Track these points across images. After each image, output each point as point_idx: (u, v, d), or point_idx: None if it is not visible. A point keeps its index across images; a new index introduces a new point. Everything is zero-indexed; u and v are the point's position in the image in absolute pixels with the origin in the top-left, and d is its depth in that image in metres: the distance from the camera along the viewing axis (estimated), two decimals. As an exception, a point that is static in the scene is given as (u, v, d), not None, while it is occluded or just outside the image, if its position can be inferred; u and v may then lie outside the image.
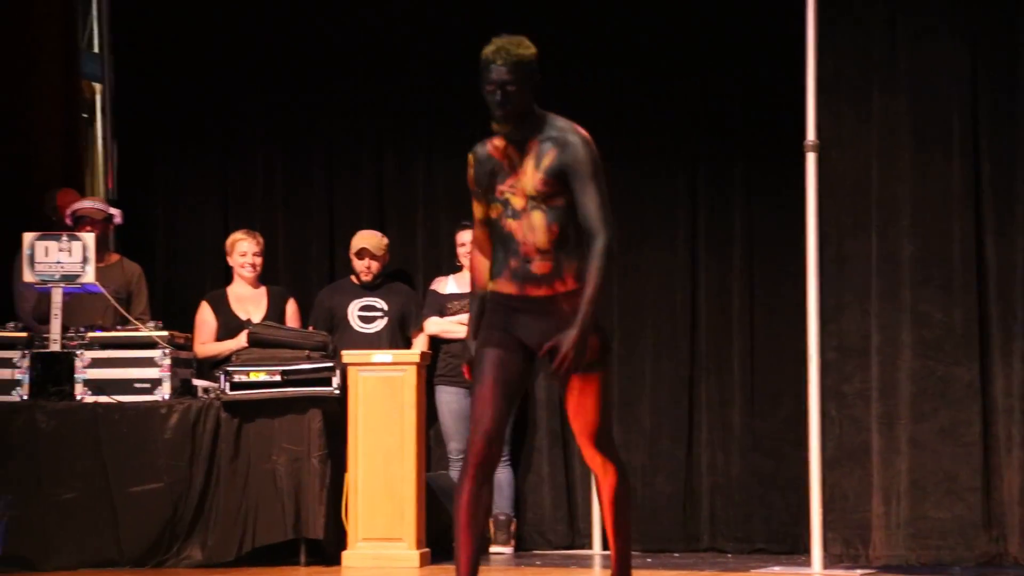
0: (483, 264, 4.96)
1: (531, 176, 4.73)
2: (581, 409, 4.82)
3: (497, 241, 4.87)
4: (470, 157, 4.92)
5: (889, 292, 7.36)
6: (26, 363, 7.50)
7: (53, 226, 8.07)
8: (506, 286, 4.82)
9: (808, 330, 7.29)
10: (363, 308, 8.45)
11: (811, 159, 7.30)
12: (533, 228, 4.74)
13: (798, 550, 7.76)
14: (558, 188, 4.72)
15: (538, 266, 4.75)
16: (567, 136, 4.79)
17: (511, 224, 4.77)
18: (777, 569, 7.46)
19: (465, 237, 8.23)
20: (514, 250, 4.78)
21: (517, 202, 4.77)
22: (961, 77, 7.42)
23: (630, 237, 8.60)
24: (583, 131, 4.89)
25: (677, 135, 8.74)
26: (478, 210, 4.91)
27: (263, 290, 8.16)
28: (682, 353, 8.56)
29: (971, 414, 7.26)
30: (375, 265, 8.32)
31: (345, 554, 7.34)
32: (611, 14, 8.76)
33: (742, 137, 8.62)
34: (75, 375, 7.39)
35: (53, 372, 7.55)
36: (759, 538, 8.28)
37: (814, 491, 7.22)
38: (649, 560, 7.97)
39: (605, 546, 8.23)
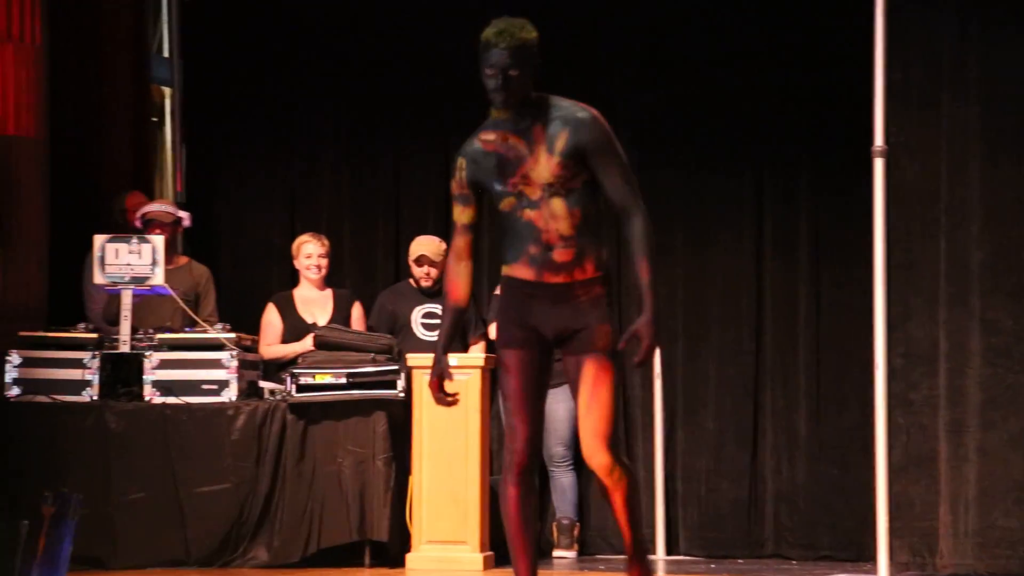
0: (460, 275, 4.78)
1: (546, 163, 4.55)
2: (595, 401, 4.60)
3: (511, 233, 4.66)
4: (461, 160, 4.73)
5: (957, 298, 7.32)
6: (96, 364, 7.58)
7: (121, 229, 8.14)
8: (522, 271, 4.64)
9: (875, 336, 7.28)
10: (426, 315, 8.45)
11: (879, 165, 7.29)
12: (555, 215, 4.57)
13: (863, 558, 7.74)
14: (575, 170, 4.55)
15: (560, 253, 4.58)
16: (576, 114, 4.61)
17: (529, 214, 4.59)
18: None
19: None
20: (535, 238, 4.59)
21: (533, 192, 4.57)
22: (1032, 83, 7.45)
23: (696, 241, 8.78)
24: (589, 107, 4.72)
25: (744, 140, 8.72)
26: (463, 215, 4.73)
27: (329, 293, 8.17)
28: (747, 358, 8.57)
29: (1043, 421, 7.30)
30: (434, 272, 8.29)
31: (409, 556, 7.37)
32: (680, 22, 8.77)
33: (809, 143, 8.62)
34: (144, 376, 7.44)
35: (122, 373, 7.62)
36: (824, 545, 8.26)
37: (880, 498, 7.20)
38: (713, 566, 8.03)
39: (669, 551, 8.49)
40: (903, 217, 7.41)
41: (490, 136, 4.65)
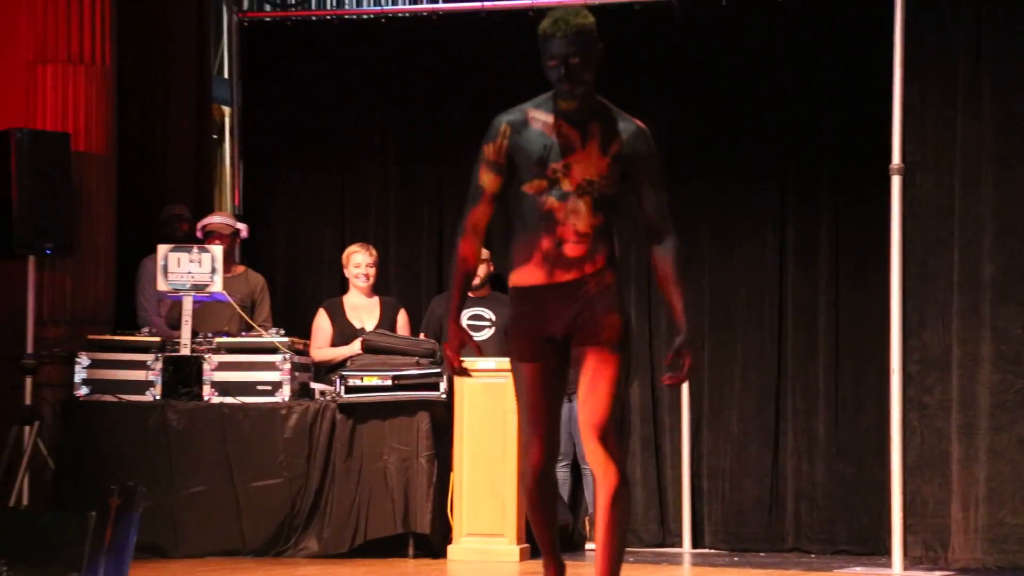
0: (477, 244, 4.42)
1: (596, 160, 4.29)
2: (594, 392, 4.30)
3: (525, 222, 4.36)
4: (504, 127, 4.37)
5: (970, 308, 7.31)
6: (159, 366, 7.62)
7: (167, 239, 8.21)
8: (534, 274, 4.34)
9: (891, 343, 7.30)
10: (472, 317, 8.38)
11: (896, 182, 7.30)
12: (577, 212, 4.27)
13: (879, 552, 7.76)
14: (617, 177, 4.31)
15: (571, 248, 4.29)
16: (634, 126, 4.37)
17: (553, 203, 4.28)
18: (859, 570, 7.42)
19: None
20: (550, 230, 4.29)
21: (568, 184, 4.28)
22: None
23: (721, 251, 8.72)
24: (642, 123, 4.49)
25: (770, 155, 8.71)
26: (493, 183, 4.37)
27: (376, 300, 8.16)
28: (769, 364, 8.51)
29: (1050, 424, 7.34)
30: (476, 279, 8.29)
31: (450, 548, 7.35)
32: (707, 41, 8.74)
33: (831, 159, 8.57)
34: (203, 377, 7.48)
35: (183, 374, 7.66)
36: (841, 540, 8.20)
37: (895, 496, 7.24)
38: (736, 559, 8.02)
39: (695, 545, 8.47)
40: (918, 231, 7.41)
41: (542, 116, 4.35)
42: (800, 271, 8.55)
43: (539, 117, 4.35)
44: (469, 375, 4.55)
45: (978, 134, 7.40)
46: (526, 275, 4.33)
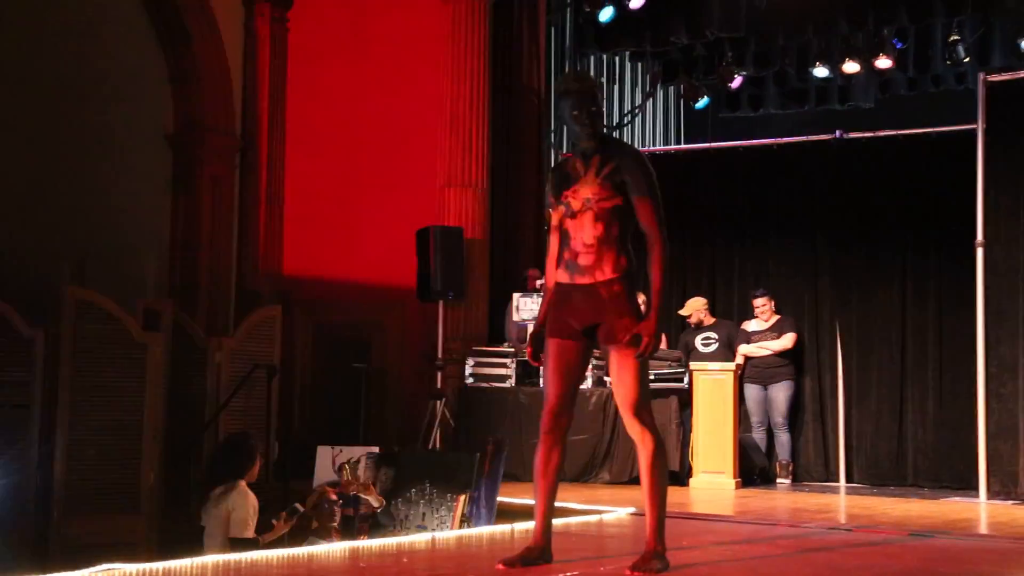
0: (553, 266, 3.86)
1: (591, 183, 3.73)
2: (621, 382, 3.70)
3: (561, 238, 3.81)
4: (550, 175, 3.90)
5: None
6: (513, 365, 7.91)
7: (523, 288, 8.34)
8: (562, 275, 3.79)
9: (978, 354, 7.26)
10: (703, 340, 8.44)
11: (980, 252, 7.22)
12: (583, 227, 3.72)
13: (970, 487, 7.47)
14: (610, 193, 3.70)
15: (584, 258, 3.73)
16: (627, 151, 3.86)
17: (569, 223, 3.76)
18: (957, 499, 7.28)
19: (758, 302, 8.28)
20: (568, 245, 3.76)
21: (575, 204, 3.74)
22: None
23: (864, 296, 8.40)
24: (638, 150, 4.10)
25: (898, 235, 8.48)
26: (554, 218, 3.83)
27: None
28: (895, 367, 8.35)
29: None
30: (698, 318, 8.45)
31: (691, 480, 7.41)
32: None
33: (937, 236, 8.32)
34: (540, 372, 6.71)
35: (528, 371, 7.83)
36: (945, 480, 8.04)
37: (981, 452, 7.15)
38: (875, 490, 7.85)
39: (848, 479, 8.22)
40: (994, 283, 7.26)
41: (568, 156, 3.92)
42: (916, 309, 8.36)
43: (565, 158, 3.94)
44: (540, 364, 3.87)
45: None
46: (558, 276, 3.82)
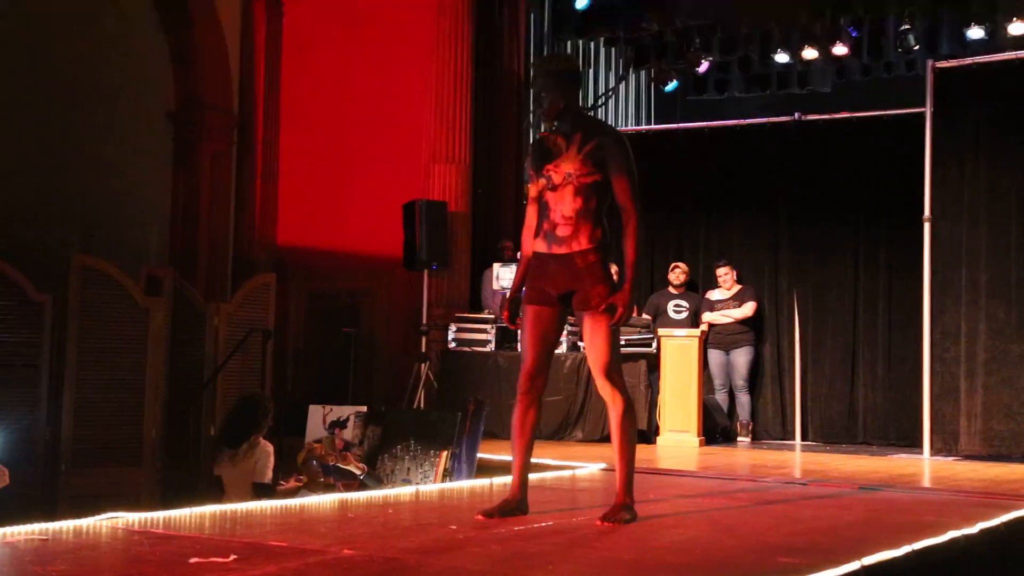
0: (531, 236, 3.75)
1: (572, 159, 3.65)
2: (593, 346, 3.62)
3: (540, 210, 3.71)
4: (530, 147, 3.80)
5: (971, 302, 7.22)
6: (492, 331, 7.84)
7: (500, 258, 8.27)
8: (541, 245, 3.69)
9: (924, 321, 7.30)
10: (675, 307, 8.43)
11: (927, 227, 7.25)
12: (563, 200, 3.63)
13: (915, 445, 7.59)
14: (590, 169, 3.62)
15: (562, 229, 3.64)
16: (607, 130, 3.75)
17: (549, 195, 3.66)
18: (903, 455, 7.33)
19: (721, 271, 8.25)
20: (548, 216, 3.66)
21: (556, 178, 3.66)
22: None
23: (820, 265, 8.40)
24: (619, 131, 3.95)
25: (852, 211, 8.44)
26: (532, 190, 3.74)
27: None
28: (848, 333, 8.36)
29: (1020, 371, 7.07)
30: (678, 281, 8.46)
31: (658, 438, 7.41)
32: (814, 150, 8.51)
33: (887, 213, 8.29)
34: (517, 336, 7.19)
35: (506, 336, 7.77)
36: (892, 437, 8.10)
37: (926, 412, 7.22)
38: (828, 448, 7.87)
39: (804, 437, 8.25)
40: (940, 255, 7.29)
41: (546, 134, 3.78)
42: (867, 278, 8.37)
43: (545, 134, 3.79)
44: (518, 328, 3.79)
45: (977, 198, 7.22)
46: (537, 245, 3.72)
